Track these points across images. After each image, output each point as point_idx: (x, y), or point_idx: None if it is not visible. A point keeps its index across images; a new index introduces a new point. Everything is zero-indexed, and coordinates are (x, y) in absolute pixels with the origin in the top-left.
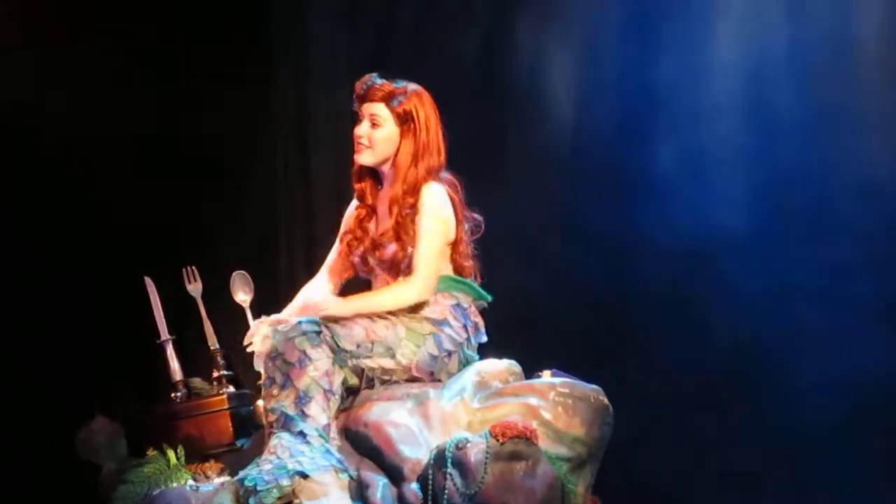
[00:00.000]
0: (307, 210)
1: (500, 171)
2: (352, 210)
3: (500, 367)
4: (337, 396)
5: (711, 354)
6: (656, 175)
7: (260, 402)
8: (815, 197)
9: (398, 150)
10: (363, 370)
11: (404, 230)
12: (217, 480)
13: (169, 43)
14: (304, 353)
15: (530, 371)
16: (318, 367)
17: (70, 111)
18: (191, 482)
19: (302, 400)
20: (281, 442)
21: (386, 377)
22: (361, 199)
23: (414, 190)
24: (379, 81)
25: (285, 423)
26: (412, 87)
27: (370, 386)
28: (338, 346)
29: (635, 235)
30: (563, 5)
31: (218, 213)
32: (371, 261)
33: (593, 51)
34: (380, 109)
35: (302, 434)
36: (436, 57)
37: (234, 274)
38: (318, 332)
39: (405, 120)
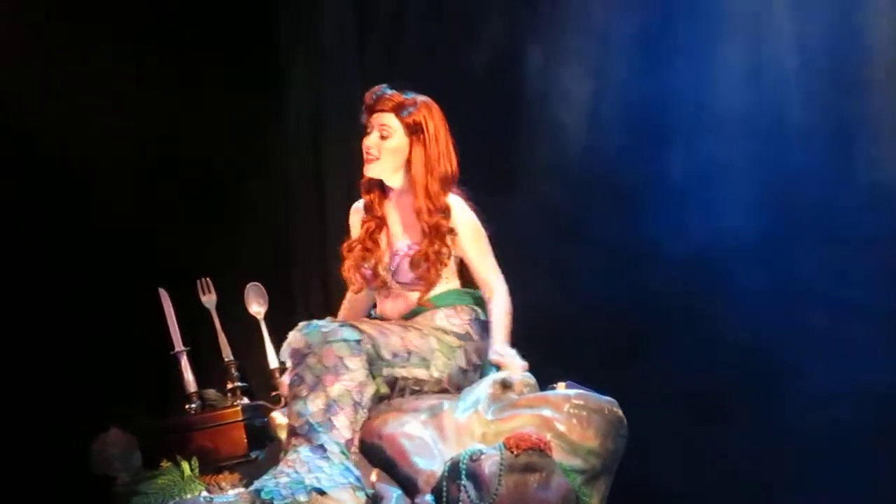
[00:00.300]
0: (321, 221)
1: (509, 181)
2: (356, 221)
3: (515, 378)
4: (365, 411)
5: (723, 362)
6: (667, 183)
7: (274, 414)
8: (823, 202)
9: (409, 161)
10: (396, 380)
11: (440, 241)
12: (231, 492)
13: (181, 59)
14: (342, 360)
15: (544, 383)
16: (353, 378)
17: (85, 122)
18: (205, 494)
19: (331, 408)
20: (300, 456)
21: (417, 388)
22: (370, 210)
23: (438, 202)
24: (388, 92)
25: (308, 431)
26: (421, 98)
27: (400, 395)
28: (377, 354)
29: (646, 244)
30: (573, 16)
31: (232, 225)
32: (384, 274)
33: (602, 60)
34: (389, 120)
35: (322, 448)
36: (446, 66)
37: (248, 286)
38: (359, 342)
39: (415, 130)
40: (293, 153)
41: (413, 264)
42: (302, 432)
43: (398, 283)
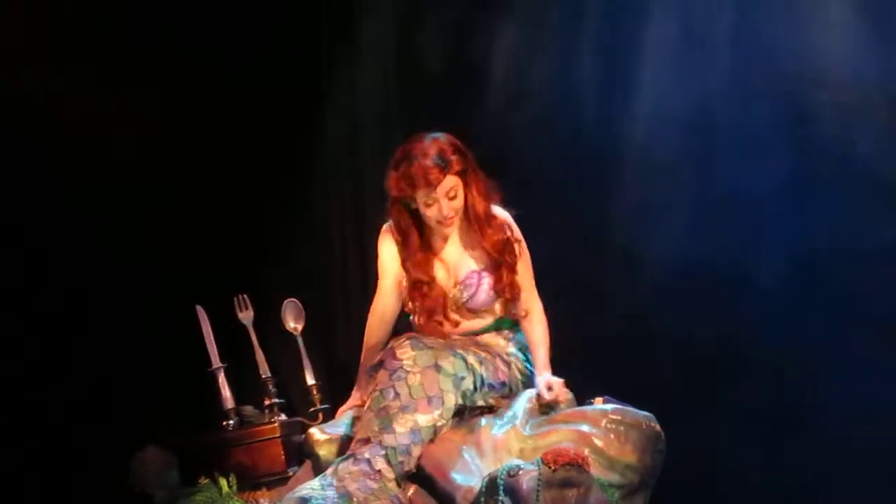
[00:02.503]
0: (360, 237)
1: (535, 195)
2: (390, 253)
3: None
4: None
5: (762, 374)
6: (701, 198)
7: (312, 430)
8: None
9: (466, 198)
10: (475, 404)
11: (512, 262)
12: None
13: (222, 78)
14: (443, 394)
15: (582, 398)
16: (443, 417)
17: (122, 140)
18: None
19: (414, 436)
20: (351, 473)
21: (489, 411)
22: (413, 241)
23: (496, 220)
24: (430, 163)
25: (377, 447)
26: (443, 140)
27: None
28: (475, 388)
29: (681, 258)
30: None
31: (269, 241)
32: (452, 302)
33: (649, 70)
34: (448, 182)
35: (378, 471)
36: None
37: (285, 302)
38: (463, 379)
39: (464, 174)
40: (332, 171)
41: (498, 293)
42: (373, 442)
43: (469, 309)
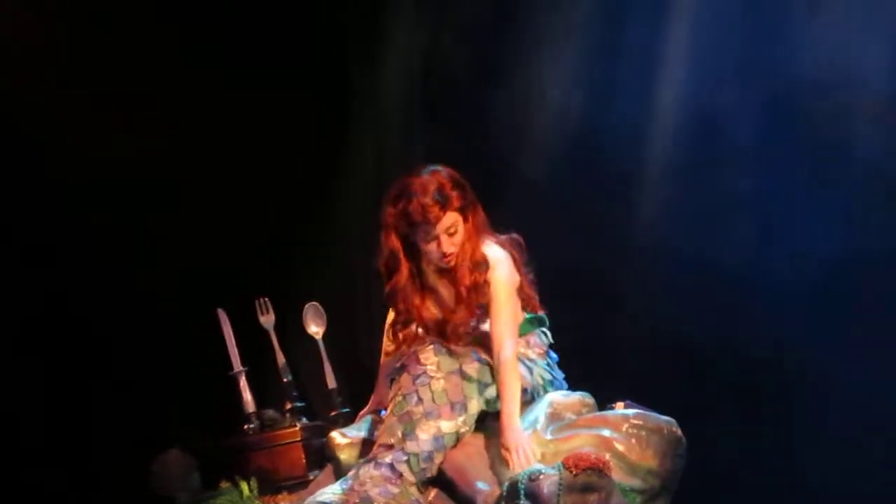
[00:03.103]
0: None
1: (552, 201)
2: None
3: (573, 398)
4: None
5: (785, 380)
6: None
7: (333, 434)
8: None
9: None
10: (498, 411)
11: (473, 302)
12: None
13: (250, 83)
14: (467, 400)
15: (603, 403)
16: (466, 423)
17: (147, 143)
18: None
19: (437, 442)
20: (372, 477)
21: None
22: (402, 276)
23: (480, 262)
24: (430, 201)
25: (399, 451)
26: (442, 174)
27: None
28: (498, 395)
29: (698, 260)
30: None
31: (291, 245)
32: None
33: (662, 77)
34: (448, 220)
35: (399, 474)
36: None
37: (306, 306)
38: (487, 386)
39: (463, 209)
40: (355, 174)
41: (453, 336)
42: (396, 448)
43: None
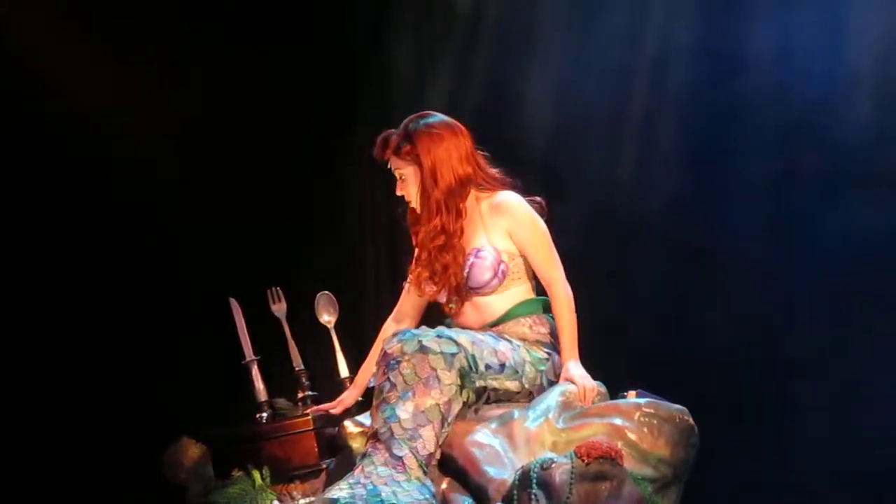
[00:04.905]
0: (391, 230)
1: (569, 189)
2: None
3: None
4: (450, 426)
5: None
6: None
7: (346, 423)
8: None
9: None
10: (486, 389)
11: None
12: (302, 501)
13: (254, 76)
14: (436, 372)
15: (615, 391)
16: (445, 393)
17: (160, 136)
18: (276, 503)
19: (418, 420)
20: (377, 469)
21: (506, 399)
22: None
23: (442, 207)
24: (381, 137)
25: (390, 438)
26: (418, 126)
27: (486, 403)
28: (471, 367)
29: (719, 253)
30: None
31: (302, 234)
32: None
33: (671, 68)
34: (393, 163)
35: (401, 460)
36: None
37: (318, 295)
38: (454, 355)
39: (417, 159)
40: (364, 164)
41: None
42: (384, 438)
43: (472, 290)
